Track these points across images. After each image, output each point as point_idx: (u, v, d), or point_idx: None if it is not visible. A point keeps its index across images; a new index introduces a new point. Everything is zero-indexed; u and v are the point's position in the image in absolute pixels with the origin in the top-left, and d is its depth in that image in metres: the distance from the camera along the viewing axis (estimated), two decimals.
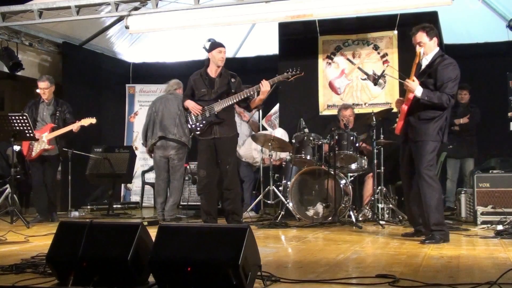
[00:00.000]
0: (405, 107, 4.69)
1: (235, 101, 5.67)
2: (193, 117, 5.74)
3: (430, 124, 4.56)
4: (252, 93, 5.67)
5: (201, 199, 5.92)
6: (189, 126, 5.86)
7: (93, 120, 6.75)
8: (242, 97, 5.66)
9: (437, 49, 4.70)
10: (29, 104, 6.95)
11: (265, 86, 5.59)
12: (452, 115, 7.47)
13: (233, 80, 5.77)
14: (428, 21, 4.87)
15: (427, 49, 4.66)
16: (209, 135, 5.71)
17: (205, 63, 5.90)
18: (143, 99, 10.01)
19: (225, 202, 5.87)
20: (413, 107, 4.64)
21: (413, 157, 4.66)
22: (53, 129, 6.74)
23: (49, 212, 6.87)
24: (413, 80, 4.58)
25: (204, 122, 5.69)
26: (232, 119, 5.88)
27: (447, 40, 8.29)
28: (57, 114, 6.80)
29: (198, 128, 5.72)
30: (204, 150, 5.79)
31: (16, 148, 6.65)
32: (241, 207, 6.17)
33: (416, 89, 4.55)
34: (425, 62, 4.72)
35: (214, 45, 5.88)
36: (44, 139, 6.64)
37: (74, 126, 6.68)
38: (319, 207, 6.36)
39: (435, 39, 4.67)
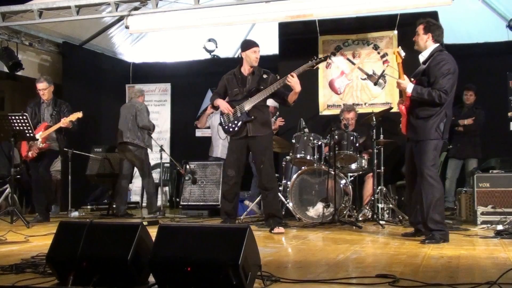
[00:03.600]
0: (402, 107, 4.74)
1: (263, 97, 5.50)
2: (225, 118, 5.61)
3: (428, 122, 4.56)
4: (279, 87, 5.47)
5: (224, 199, 5.73)
6: (222, 126, 5.68)
7: (79, 114, 6.71)
8: (270, 93, 5.49)
9: (434, 45, 4.69)
10: (30, 105, 6.96)
11: (295, 77, 5.36)
12: (456, 115, 7.51)
13: (265, 76, 5.61)
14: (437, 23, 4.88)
15: (419, 40, 4.73)
16: (242, 134, 5.56)
17: (239, 62, 5.74)
18: None
19: (264, 203, 5.71)
20: (411, 105, 4.67)
21: (414, 156, 4.67)
22: (47, 128, 6.73)
23: (47, 206, 6.89)
24: (404, 79, 4.63)
25: (236, 122, 5.55)
26: (266, 117, 5.69)
27: (447, 40, 8.23)
28: (54, 114, 6.80)
29: (231, 129, 5.58)
30: (235, 149, 5.64)
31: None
32: (280, 208, 5.95)
33: (407, 86, 4.58)
34: (421, 59, 4.76)
35: (248, 44, 5.66)
36: (38, 139, 6.65)
37: (62, 123, 6.66)
38: (319, 207, 6.35)
39: (429, 35, 4.68)
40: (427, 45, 4.69)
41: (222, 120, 5.68)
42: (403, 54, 4.72)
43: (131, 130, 7.49)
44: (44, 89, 6.82)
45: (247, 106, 5.52)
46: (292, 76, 5.38)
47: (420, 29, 4.72)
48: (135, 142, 7.45)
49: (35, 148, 6.69)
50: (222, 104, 5.63)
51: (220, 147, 8.03)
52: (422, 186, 4.55)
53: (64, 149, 7.15)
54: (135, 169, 8.12)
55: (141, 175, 7.77)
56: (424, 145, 4.56)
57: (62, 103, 6.96)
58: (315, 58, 5.59)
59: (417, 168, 4.63)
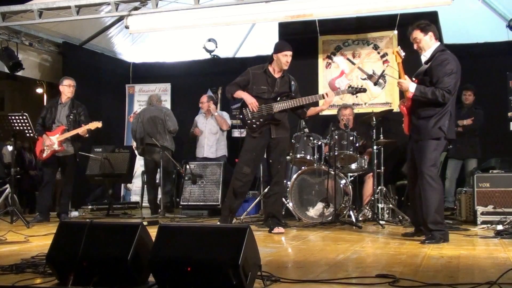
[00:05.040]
0: (403, 107, 4.73)
1: (295, 104, 5.53)
2: (249, 113, 5.53)
3: (430, 122, 4.54)
4: (315, 100, 5.60)
5: (233, 196, 5.60)
6: (244, 120, 5.58)
7: (99, 124, 6.79)
8: (304, 102, 5.54)
9: (436, 44, 4.67)
10: (47, 106, 7.05)
11: (331, 97, 5.54)
12: (456, 116, 7.50)
13: (292, 83, 5.65)
14: (428, 21, 4.86)
15: (424, 44, 4.67)
16: (265, 135, 5.55)
17: (269, 60, 5.68)
18: (142, 99, 10.01)
19: (267, 203, 5.71)
20: (413, 105, 4.65)
21: (415, 156, 4.66)
22: (64, 131, 6.79)
23: (59, 213, 6.97)
24: (405, 79, 4.62)
25: (261, 120, 5.52)
26: (287, 120, 5.71)
27: (447, 40, 8.29)
28: (71, 117, 6.86)
29: (254, 125, 5.53)
30: (254, 148, 5.60)
31: (10, 148, 6.69)
32: (281, 211, 5.96)
33: (409, 86, 4.57)
34: (423, 59, 4.73)
35: (281, 47, 5.59)
36: (55, 141, 6.69)
37: (80, 130, 6.74)
38: (319, 207, 6.36)
39: (430, 34, 4.65)
40: (430, 45, 4.67)
41: (244, 112, 5.57)
42: (402, 54, 4.71)
43: (160, 133, 7.81)
44: (70, 85, 6.92)
45: (276, 108, 5.52)
46: (327, 95, 5.57)
47: (418, 33, 4.65)
48: (164, 145, 7.68)
49: (51, 151, 6.72)
50: (249, 98, 5.50)
51: (206, 147, 8.10)
52: (422, 186, 4.55)
53: (79, 152, 7.22)
54: (135, 169, 8.12)
55: (164, 175, 7.80)
56: (425, 144, 4.55)
57: (79, 106, 6.99)
58: (356, 87, 5.83)
59: (417, 167, 4.63)
